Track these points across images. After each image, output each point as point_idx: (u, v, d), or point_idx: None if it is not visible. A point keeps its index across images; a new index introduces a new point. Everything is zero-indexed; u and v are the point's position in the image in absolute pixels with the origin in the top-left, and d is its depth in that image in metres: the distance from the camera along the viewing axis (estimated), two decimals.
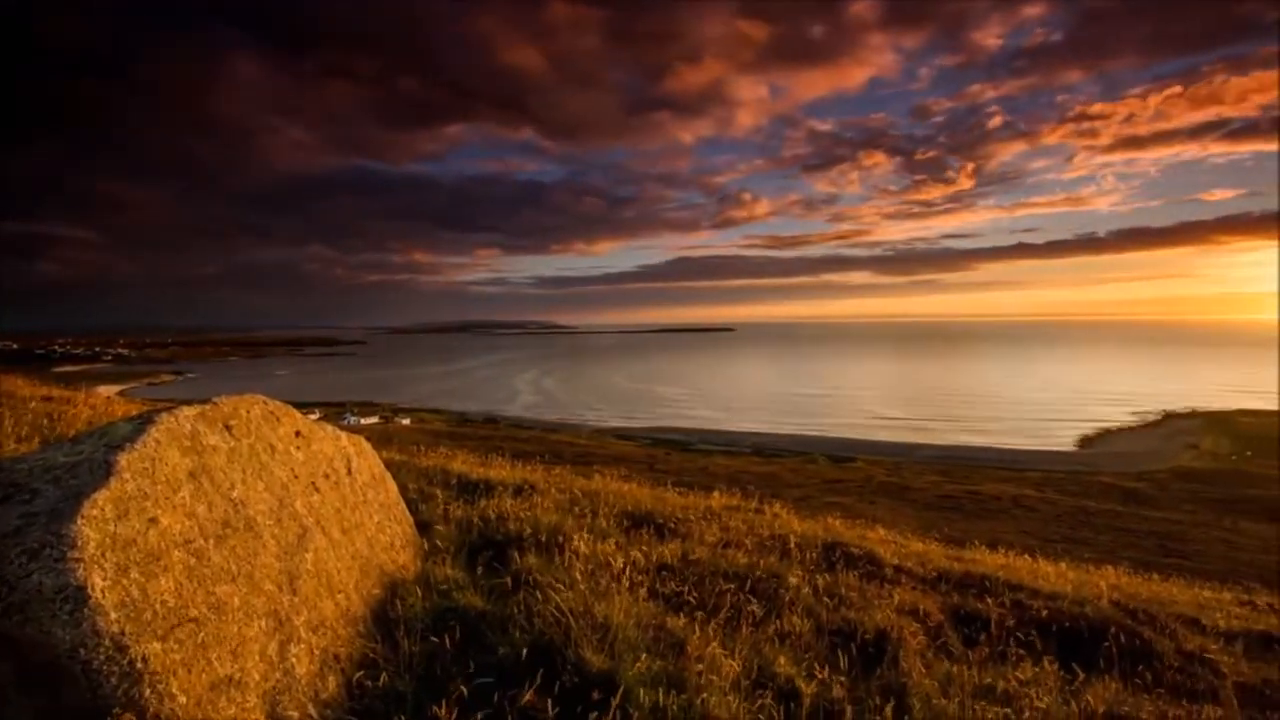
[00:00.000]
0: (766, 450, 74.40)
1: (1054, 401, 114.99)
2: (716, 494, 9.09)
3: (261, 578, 2.66)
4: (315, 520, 3.35)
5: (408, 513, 4.88)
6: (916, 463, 65.86)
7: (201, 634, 2.23)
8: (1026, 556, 8.48)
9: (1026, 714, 3.40)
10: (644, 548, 5.01)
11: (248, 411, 3.33)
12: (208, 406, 3.09)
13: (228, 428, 3.08)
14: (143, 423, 2.70)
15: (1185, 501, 50.58)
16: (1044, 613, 5.28)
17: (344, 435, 4.42)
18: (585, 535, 4.89)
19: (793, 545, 5.92)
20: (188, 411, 2.94)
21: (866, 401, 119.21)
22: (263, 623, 2.52)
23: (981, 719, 3.24)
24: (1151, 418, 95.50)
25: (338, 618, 3.01)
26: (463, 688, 2.66)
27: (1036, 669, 4.23)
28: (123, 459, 2.37)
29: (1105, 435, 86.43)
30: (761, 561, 5.26)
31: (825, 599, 4.77)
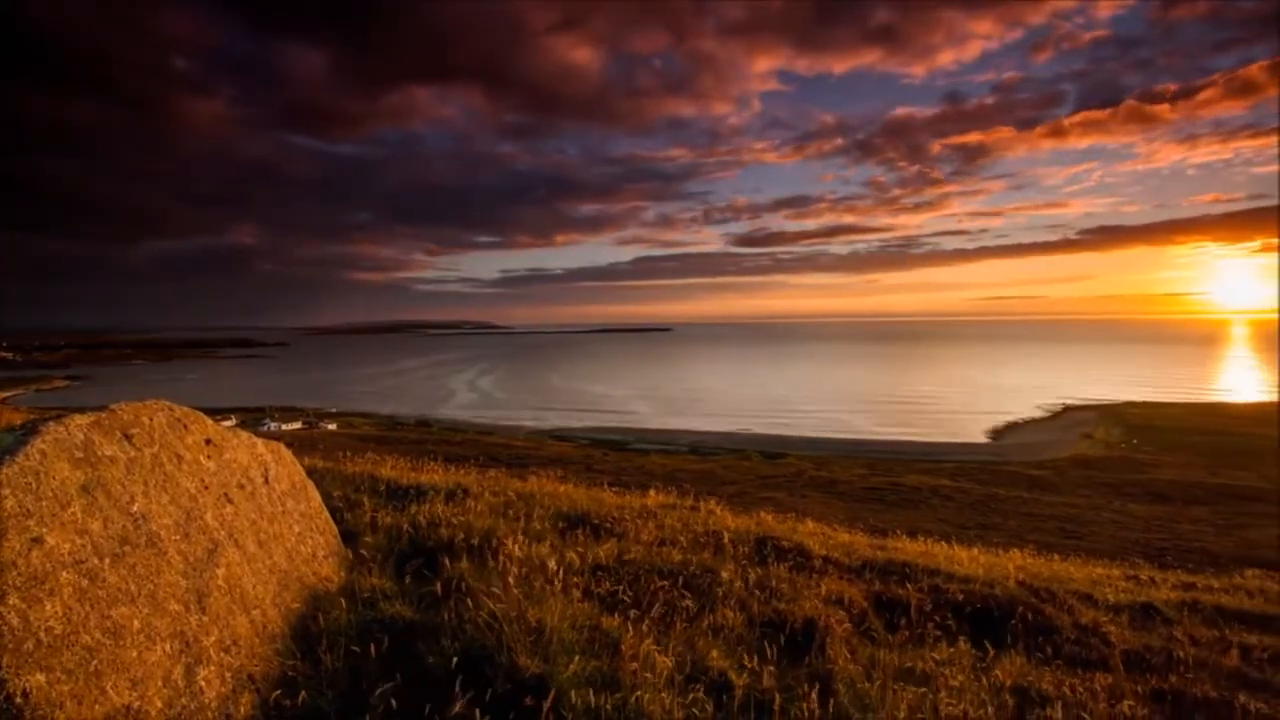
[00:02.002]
0: (702, 448, 75.62)
1: (970, 396, 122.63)
2: (653, 493, 9.16)
3: (166, 597, 2.48)
4: (228, 533, 3.16)
5: (331, 522, 4.68)
6: (844, 457, 68.57)
7: (95, 661, 2.06)
8: (943, 543, 9.00)
9: (942, 692, 3.61)
10: (579, 549, 5.00)
11: (151, 419, 3.10)
12: (104, 414, 2.86)
13: (127, 437, 2.86)
14: (26, 433, 2.46)
15: (1081, 487, 54.94)
16: (959, 595, 5.63)
17: (261, 442, 4.19)
18: (520, 538, 4.83)
19: (726, 541, 6.05)
20: (80, 420, 2.71)
21: (798, 399, 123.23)
22: (167, 645, 2.36)
23: (901, 699, 3.41)
24: (1054, 410, 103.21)
25: (253, 635, 2.85)
26: (389, 701, 2.57)
27: (952, 649, 4.51)
28: (1, 474, 2.16)
29: (1013, 427, 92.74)
30: (696, 558, 5.34)
31: (757, 592, 4.90)
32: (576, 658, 3.12)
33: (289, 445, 5.00)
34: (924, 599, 5.46)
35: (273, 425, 79.68)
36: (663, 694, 3.01)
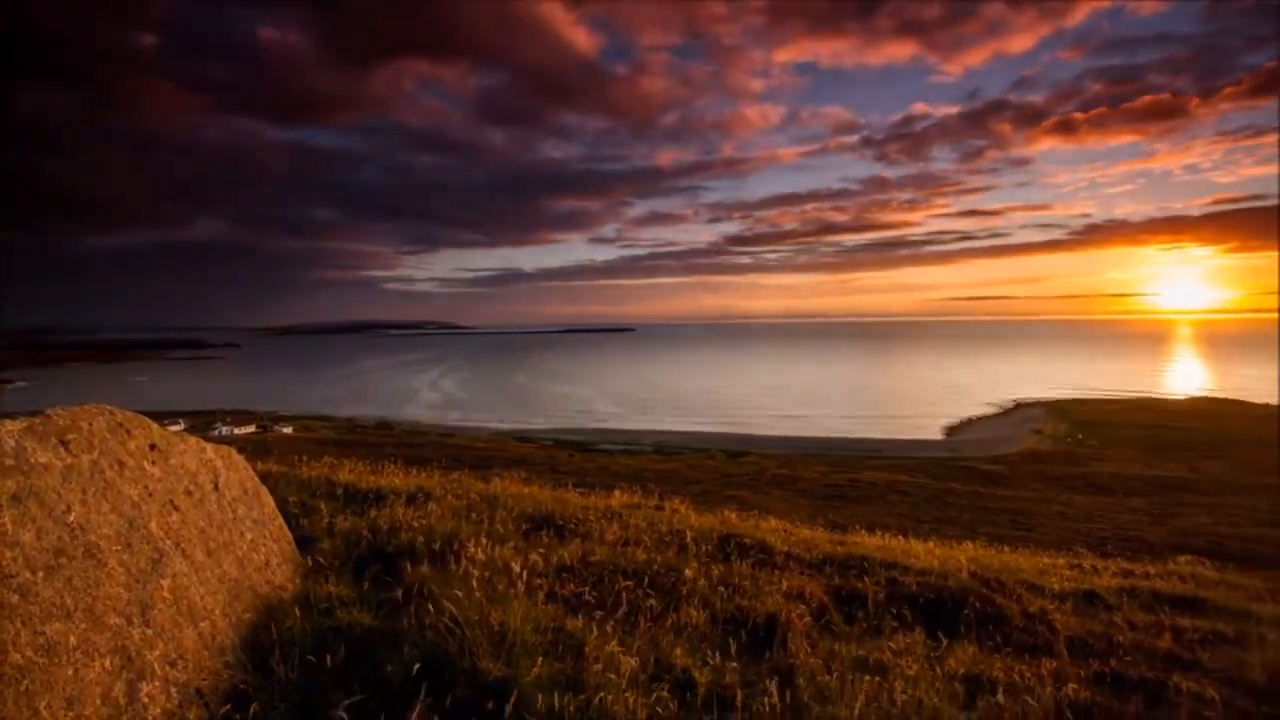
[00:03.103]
0: (667, 448, 75.96)
1: (929, 394, 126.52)
2: (617, 493, 9.17)
3: (105, 610, 2.37)
4: (174, 542, 3.04)
5: (286, 528, 4.54)
6: (807, 455, 69.80)
7: (26, 681, 1.96)
8: (900, 537, 9.24)
9: (898, 682, 3.72)
10: (543, 550, 4.97)
11: (90, 424, 2.96)
12: (38, 420, 2.72)
13: (64, 443, 2.72)
14: None
15: (1030, 481, 57.17)
16: (914, 587, 5.79)
17: (211, 447, 4.04)
18: (483, 541, 4.77)
19: (690, 539, 6.10)
20: (11, 426, 2.57)
21: (761, 398, 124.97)
22: (107, 661, 2.26)
23: (859, 690, 3.49)
24: (1005, 407, 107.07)
25: (201, 648, 2.74)
26: (346, 711, 2.52)
27: (908, 639, 4.64)
28: None
29: (968, 424, 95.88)
30: (660, 557, 5.37)
31: (720, 589, 4.96)
32: (540, 660, 3.11)
33: (241, 450, 4.84)
34: (881, 592, 5.60)
35: (224, 430, 76.86)
36: (626, 694, 3.02)
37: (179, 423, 71.20)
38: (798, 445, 77.56)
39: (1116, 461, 64.48)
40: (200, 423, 79.84)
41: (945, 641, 4.64)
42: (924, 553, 7.80)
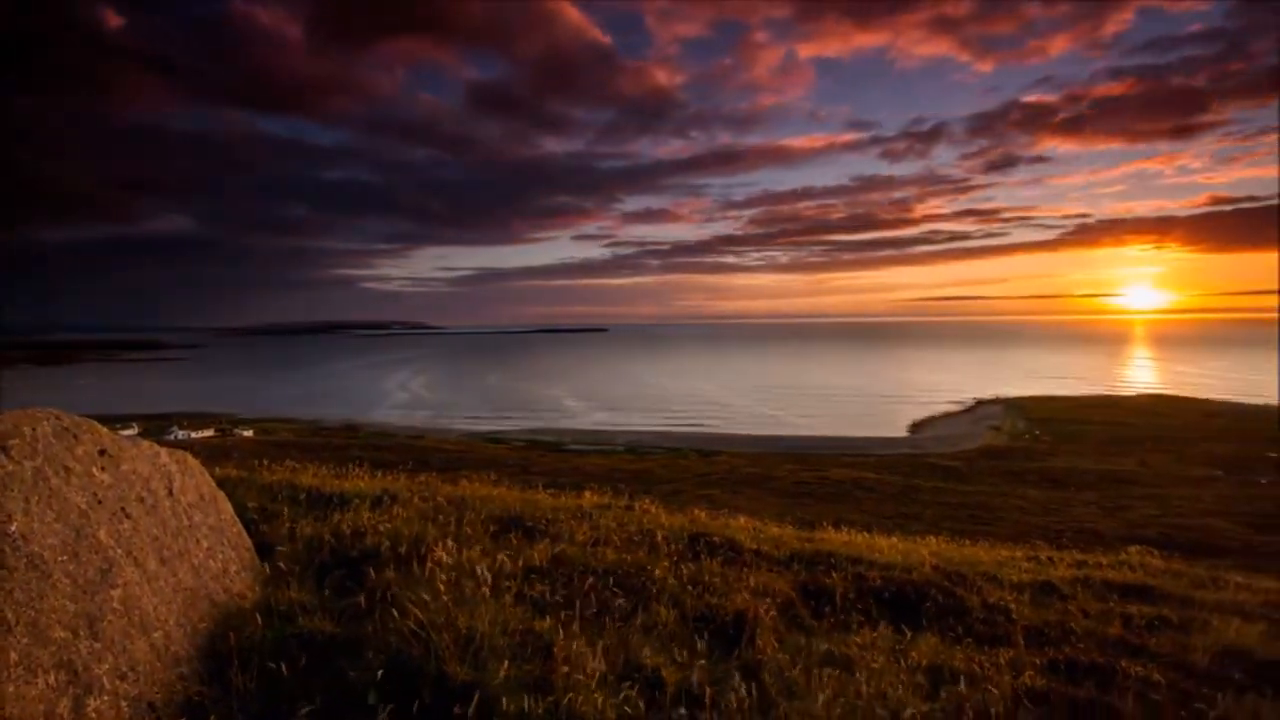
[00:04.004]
0: (639, 448, 76.05)
1: (895, 392, 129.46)
2: (588, 493, 9.15)
3: (50, 624, 2.28)
4: (125, 551, 2.93)
5: (245, 534, 4.42)
6: (777, 453, 70.64)
7: None
8: (866, 533, 9.42)
9: (863, 675, 3.80)
10: (512, 552, 4.92)
11: (34, 429, 2.84)
12: None
13: (4, 449, 2.61)
14: None
15: (990, 475, 58.87)
16: (879, 582, 5.92)
17: (165, 452, 3.91)
18: (450, 544, 4.71)
19: (660, 539, 6.12)
20: None
21: (735, 398, 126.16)
22: (51, 677, 2.16)
23: (825, 684, 3.56)
24: (966, 405, 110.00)
25: (154, 659, 2.65)
26: None
27: (873, 633, 4.74)
28: None
29: (931, 421, 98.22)
30: (630, 557, 5.37)
31: (690, 587, 4.98)
32: (507, 663, 3.08)
33: (199, 454, 4.70)
34: (847, 587, 5.71)
35: (180, 433, 74.33)
36: (595, 694, 3.02)
37: (132, 427, 68.61)
38: (769, 444, 78.43)
39: (1071, 456, 66.82)
40: (155, 427, 77.07)
41: (909, 634, 4.76)
42: (888, 548, 7.97)
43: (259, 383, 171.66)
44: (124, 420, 76.17)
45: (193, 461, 4.19)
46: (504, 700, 2.81)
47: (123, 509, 3.11)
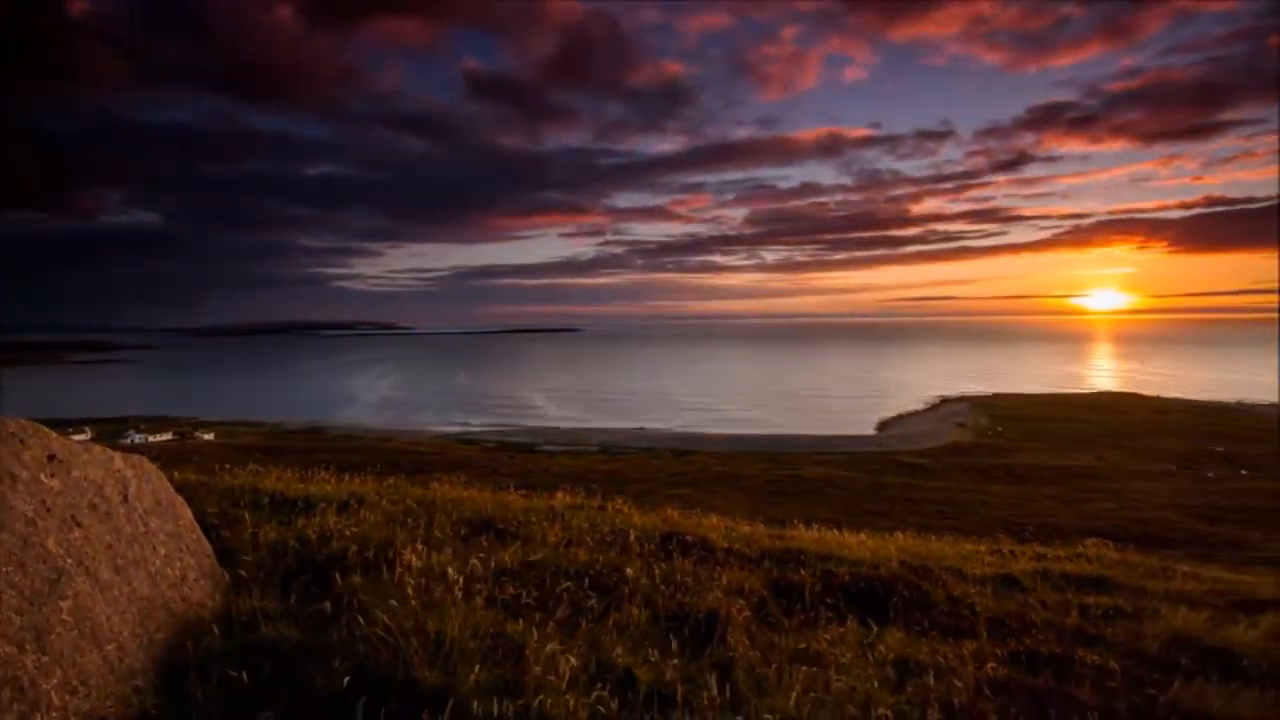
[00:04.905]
0: (612, 448, 75.98)
1: (865, 391, 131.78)
2: (560, 494, 9.10)
3: None
4: (76, 560, 2.82)
5: (205, 541, 4.29)
6: (749, 452, 71.29)
7: None
8: (835, 530, 9.57)
9: (832, 670, 3.86)
10: (483, 554, 4.88)
11: None
12: None
13: None
14: None
15: (955, 472, 60.36)
16: (848, 577, 6.01)
17: (120, 456, 3.77)
18: (419, 547, 4.65)
19: (633, 539, 6.12)
20: None
21: (711, 398, 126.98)
22: None
23: (795, 680, 3.60)
24: (932, 403, 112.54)
25: (107, 672, 2.56)
26: None
27: (842, 628, 4.82)
28: None
29: (899, 419, 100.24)
30: (603, 557, 5.36)
31: (663, 586, 5.00)
32: (478, 666, 3.05)
33: (156, 459, 4.55)
34: (817, 583, 5.79)
35: (137, 437, 71.81)
36: (567, 696, 3.01)
37: (85, 431, 65.96)
38: (742, 443, 79.10)
39: (1033, 453, 68.88)
40: (110, 431, 74.32)
41: (876, 628, 4.85)
42: (857, 544, 8.10)
43: (221, 384, 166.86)
44: (76, 424, 73.23)
45: (149, 466, 4.05)
46: (475, 704, 2.78)
47: (73, 517, 2.99)
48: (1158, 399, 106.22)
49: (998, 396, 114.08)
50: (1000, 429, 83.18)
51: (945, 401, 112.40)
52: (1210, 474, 59.02)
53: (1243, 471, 59.55)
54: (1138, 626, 5.38)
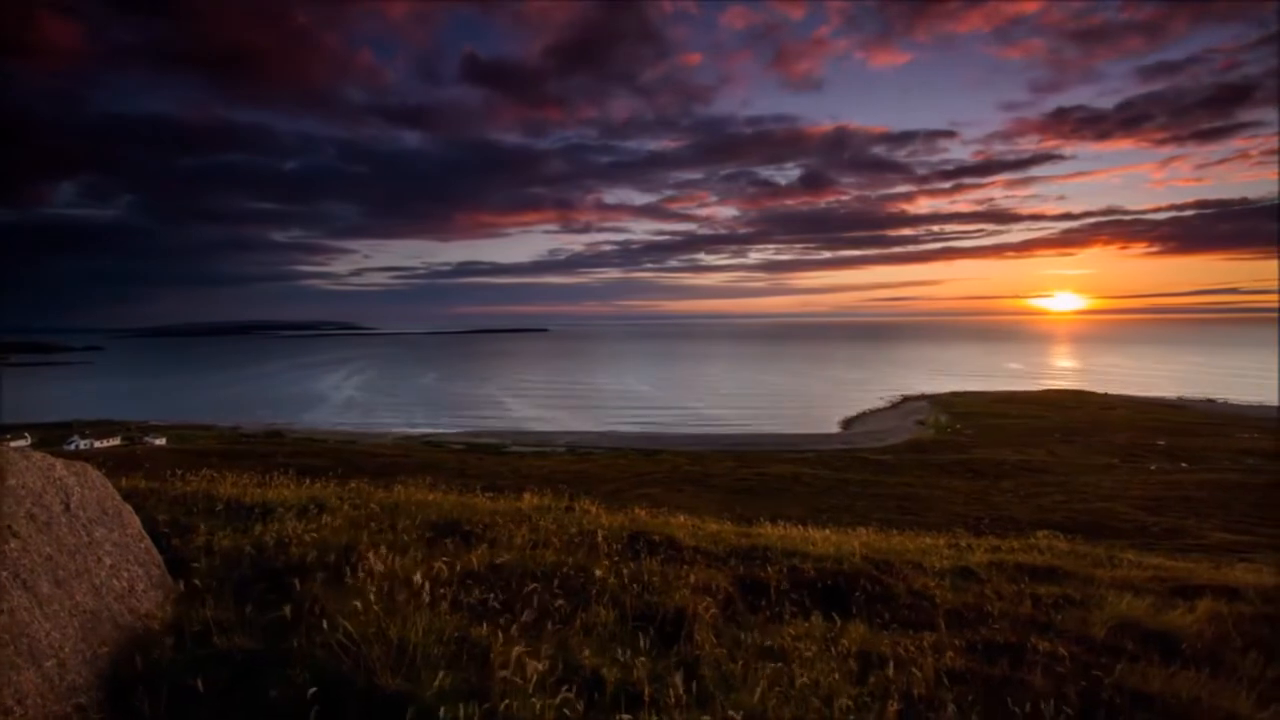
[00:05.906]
0: (580, 448, 75.71)
1: (830, 389, 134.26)
2: (528, 495, 9.02)
3: None
4: (12, 573, 2.69)
5: (155, 550, 4.13)
6: (717, 451, 71.85)
7: None
8: (801, 527, 9.71)
9: (796, 664, 3.92)
10: (449, 558, 4.80)
11: None
12: None
13: None
14: None
15: (916, 468, 61.91)
16: (813, 573, 6.11)
17: (61, 463, 3.61)
18: (382, 551, 4.55)
19: (600, 539, 6.10)
20: None
21: (680, 397, 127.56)
22: None
23: (761, 675, 3.65)
24: (894, 401, 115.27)
25: (45, 690, 2.44)
26: None
27: (806, 623, 4.90)
28: None
29: (862, 416, 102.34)
30: (570, 558, 5.34)
31: (630, 586, 4.99)
32: (442, 672, 3.01)
33: (102, 465, 4.36)
34: (782, 579, 5.87)
35: (81, 443, 68.69)
36: (533, 699, 2.99)
37: (25, 437, 62.71)
38: (710, 442, 79.69)
39: (989, 448, 71.11)
40: (53, 437, 70.91)
41: (840, 622, 4.94)
42: (822, 540, 8.23)
43: (171, 388, 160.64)
44: (15, 430, 69.65)
45: (94, 473, 3.89)
46: (439, 709, 2.74)
47: (10, 527, 2.85)
48: (1104, 396, 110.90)
49: (956, 394, 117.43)
50: (959, 426, 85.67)
51: (907, 399, 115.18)
52: (1153, 466, 61.86)
53: (1183, 464, 62.61)
54: (1086, 614, 5.60)
